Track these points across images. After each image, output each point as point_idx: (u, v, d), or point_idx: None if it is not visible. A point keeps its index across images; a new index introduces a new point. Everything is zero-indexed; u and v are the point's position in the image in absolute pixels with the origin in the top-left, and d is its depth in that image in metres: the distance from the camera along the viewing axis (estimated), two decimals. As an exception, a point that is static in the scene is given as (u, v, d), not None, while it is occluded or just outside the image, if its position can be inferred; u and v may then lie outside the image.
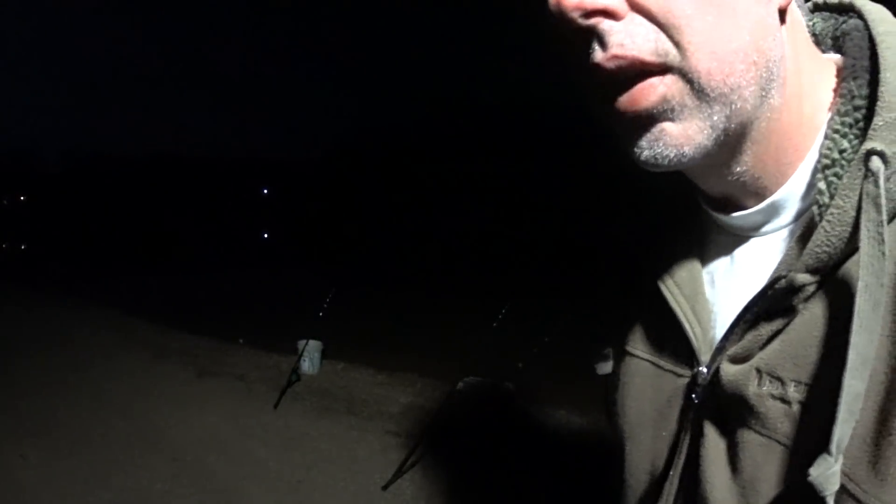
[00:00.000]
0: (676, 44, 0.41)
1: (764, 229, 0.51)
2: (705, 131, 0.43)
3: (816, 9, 0.54)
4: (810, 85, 0.47)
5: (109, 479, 3.54)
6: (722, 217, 0.52)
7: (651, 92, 0.42)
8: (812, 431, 0.44)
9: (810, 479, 0.41)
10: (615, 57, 0.41)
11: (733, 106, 0.42)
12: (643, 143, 0.44)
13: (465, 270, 13.48)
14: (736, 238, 0.53)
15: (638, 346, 0.62)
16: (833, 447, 0.41)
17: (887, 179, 0.41)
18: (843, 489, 0.43)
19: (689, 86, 0.42)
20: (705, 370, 0.53)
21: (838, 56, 0.50)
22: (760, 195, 0.49)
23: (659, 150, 0.44)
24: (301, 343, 5.54)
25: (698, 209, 0.56)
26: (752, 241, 0.52)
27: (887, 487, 0.42)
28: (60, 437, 4.15)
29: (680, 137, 0.43)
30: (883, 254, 0.40)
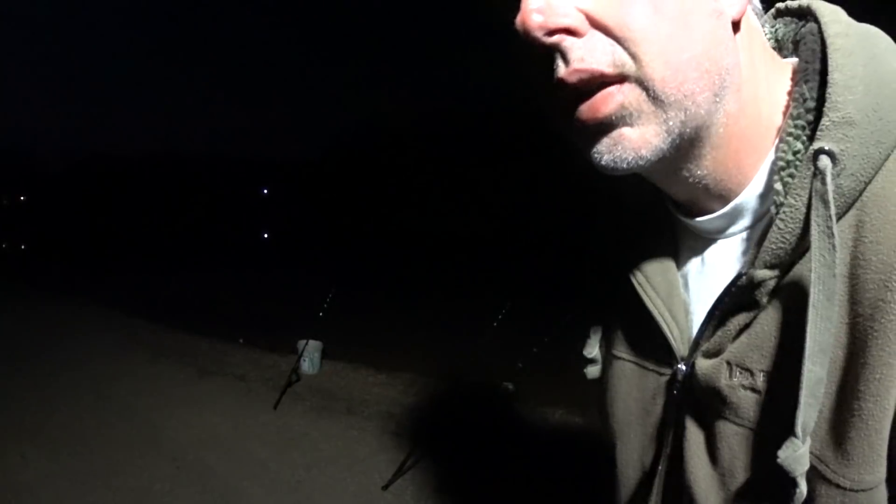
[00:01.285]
0: (633, 55, 0.44)
1: (729, 231, 0.53)
2: (661, 135, 0.46)
3: (779, 14, 0.56)
4: (767, 89, 0.49)
5: (109, 479, 3.54)
6: (689, 221, 0.55)
7: (610, 100, 0.45)
8: (781, 418, 0.47)
9: (779, 461, 0.44)
10: (576, 71, 0.44)
11: (687, 111, 0.45)
12: (602, 147, 0.47)
13: (465, 270, 13.47)
14: (705, 241, 0.56)
15: (621, 349, 0.66)
16: (798, 430, 0.44)
17: (837, 176, 0.43)
18: (814, 470, 0.46)
19: (645, 93, 0.44)
20: (683, 367, 0.56)
21: (795, 59, 0.51)
22: (724, 198, 0.52)
23: (618, 154, 0.46)
24: (301, 343, 5.54)
25: (668, 214, 0.60)
26: (720, 242, 0.55)
27: (853, 466, 0.45)
28: (60, 437, 4.15)
29: (638, 141, 0.46)
30: (833, 246, 0.42)
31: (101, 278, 13.83)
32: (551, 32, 0.44)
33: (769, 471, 0.47)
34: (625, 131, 0.46)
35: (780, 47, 0.55)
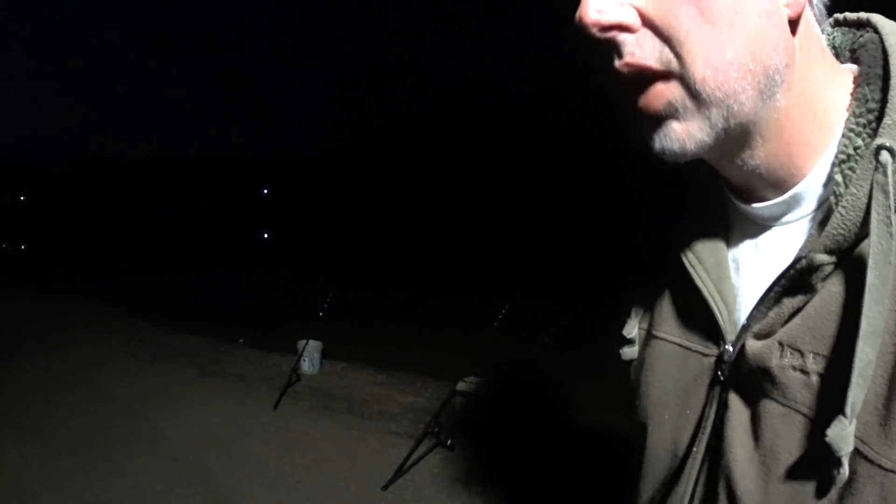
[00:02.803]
0: (677, 55, 0.48)
1: (785, 219, 0.56)
2: (705, 130, 0.50)
3: (837, 24, 0.60)
4: (823, 89, 0.52)
5: (109, 479, 3.54)
6: (746, 207, 0.58)
7: (661, 96, 0.50)
8: (829, 399, 0.49)
9: (827, 439, 0.46)
10: (627, 64, 0.49)
11: (730, 109, 0.49)
12: (655, 136, 0.52)
13: (465, 270, 13.47)
14: (759, 227, 0.59)
15: (665, 329, 0.67)
16: (848, 409, 0.46)
17: (895, 171, 0.46)
18: (856, 451, 0.48)
19: (688, 91, 0.49)
20: (731, 348, 0.58)
21: (855, 66, 0.55)
22: (780, 187, 0.55)
23: (667, 144, 0.51)
24: (301, 343, 5.54)
25: (724, 198, 0.62)
26: (775, 229, 0.57)
27: (895, 447, 0.47)
28: (60, 437, 4.15)
29: (682, 133, 0.50)
30: (891, 234, 0.46)
31: (101, 278, 13.83)
32: (606, 28, 0.49)
33: (812, 452, 0.50)
34: (672, 124, 0.50)
35: (837, 54, 0.58)
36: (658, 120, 0.51)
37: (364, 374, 5.72)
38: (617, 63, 0.50)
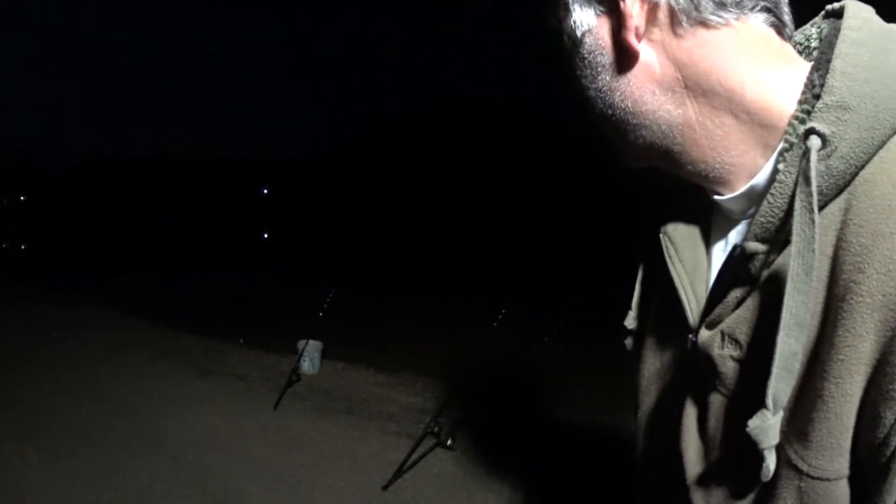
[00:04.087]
0: None
1: (749, 212, 0.57)
2: (628, 152, 0.61)
3: (827, 15, 0.59)
4: (755, 88, 0.52)
5: (109, 479, 3.53)
6: (716, 200, 0.60)
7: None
8: (756, 390, 0.48)
9: (748, 430, 0.46)
10: None
11: (638, 132, 0.58)
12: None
13: (465, 270, 13.47)
14: (730, 221, 0.60)
15: (650, 322, 0.70)
16: (769, 400, 0.45)
17: (827, 157, 0.45)
18: (780, 449, 0.47)
19: (605, 129, 0.62)
20: (693, 338, 0.59)
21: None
22: (730, 184, 0.56)
23: (624, 160, 0.63)
24: (301, 343, 5.53)
25: (705, 196, 0.63)
26: (742, 223, 0.59)
27: (812, 449, 0.46)
28: (60, 437, 4.15)
29: (622, 152, 0.63)
30: (812, 222, 0.44)
31: (101, 278, 13.82)
32: None
33: (745, 443, 0.49)
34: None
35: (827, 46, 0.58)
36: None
37: (364, 374, 5.71)
38: None
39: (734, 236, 0.59)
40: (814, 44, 0.58)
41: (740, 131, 0.53)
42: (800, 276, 0.45)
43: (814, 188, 0.45)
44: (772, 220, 0.49)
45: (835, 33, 0.52)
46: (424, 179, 28.87)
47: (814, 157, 0.45)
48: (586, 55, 0.57)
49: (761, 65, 0.53)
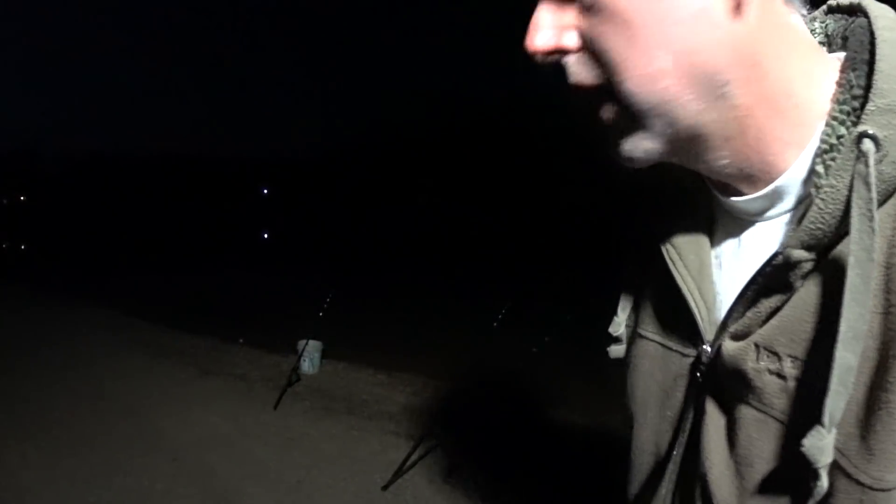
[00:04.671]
0: (609, 74, 0.49)
1: (768, 214, 0.53)
2: (650, 139, 0.51)
3: (830, 11, 0.57)
4: (801, 82, 0.49)
5: (109, 479, 3.54)
6: (728, 201, 0.55)
7: (606, 112, 0.51)
8: (806, 406, 0.46)
9: (803, 450, 0.43)
10: (572, 84, 0.52)
11: (669, 117, 0.49)
12: (611, 147, 0.53)
13: (465, 270, 13.47)
14: (742, 222, 0.56)
15: (648, 328, 0.65)
16: (825, 419, 0.42)
17: (879, 162, 0.44)
18: (834, 464, 0.44)
19: (620, 106, 0.50)
20: (709, 349, 0.56)
21: (843, 53, 0.52)
22: (755, 183, 0.52)
23: (623, 154, 0.53)
24: (301, 343, 5.54)
25: (707, 193, 0.59)
26: (758, 225, 0.55)
27: (875, 462, 0.44)
28: (60, 437, 4.15)
29: (632, 143, 0.52)
30: (872, 230, 0.42)
31: (101, 278, 13.82)
32: (547, 54, 0.51)
33: (789, 461, 0.47)
34: (619, 140, 0.52)
35: (829, 42, 0.56)
36: (613, 133, 0.52)
37: (364, 374, 5.72)
38: (569, 83, 0.52)
39: (751, 239, 0.55)
40: (818, 38, 0.56)
41: (784, 127, 0.50)
42: (858, 286, 0.42)
43: (874, 195, 0.42)
44: (822, 227, 0.45)
45: (862, 32, 0.50)
46: (424, 180, 28.87)
47: (872, 161, 0.43)
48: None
49: (806, 56, 0.50)
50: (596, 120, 0.52)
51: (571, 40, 0.50)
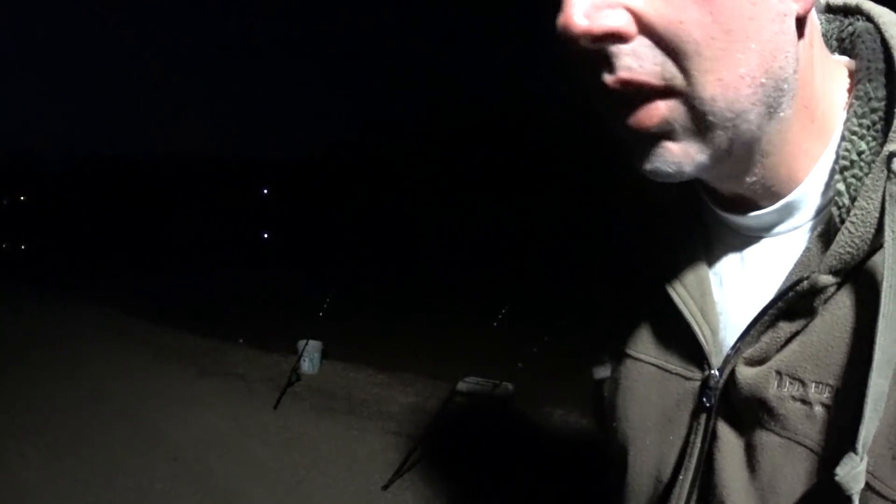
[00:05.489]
0: (683, 69, 0.40)
1: (776, 230, 0.51)
2: (705, 152, 0.43)
3: (828, 10, 0.54)
4: (822, 90, 0.47)
5: (109, 479, 3.54)
6: (732, 217, 0.52)
7: (655, 115, 0.42)
8: (835, 432, 0.45)
9: (837, 479, 0.42)
10: (621, 80, 0.41)
11: (737, 129, 0.42)
12: (646, 156, 0.44)
13: (465, 270, 13.48)
14: (745, 238, 0.53)
15: (641, 349, 0.61)
16: (859, 446, 0.41)
17: None
18: (867, 486, 0.43)
19: (692, 111, 0.41)
20: (717, 373, 0.53)
21: (847, 58, 0.50)
22: (772, 197, 0.49)
23: (660, 165, 0.44)
24: (301, 343, 5.54)
25: (703, 209, 0.56)
26: (764, 241, 0.52)
27: None
28: (60, 437, 4.15)
29: (679, 155, 0.44)
30: None
31: (100, 278, 13.83)
32: (598, 38, 0.40)
33: (819, 487, 0.46)
34: (668, 144, 0.43)
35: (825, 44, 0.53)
36: (651, 139, 0.44)
37: (364, 374, 5.72)
38: (608, 78, 0.41)
39: (757, 256, 0.53)
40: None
41: (810, 141, 0.46)
42: (892, 312, 0.41)
43: None
44: (852, 251, 0.43)
45: (871, 39, 0.48)
46: (424, 180, 28.88)
47: None
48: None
49: (823, 63, 0.47)
50: (626, 123, 0.43)
51: (627, 22, 0.40)
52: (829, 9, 0.53)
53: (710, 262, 0.56)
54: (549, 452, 3.88)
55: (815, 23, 0.47)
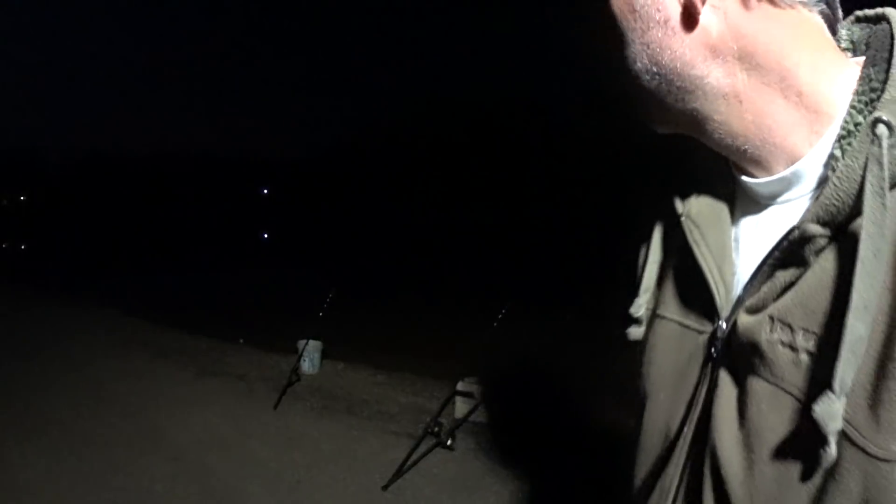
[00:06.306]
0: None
1: (784, 197, 0.57)
2: (656, 118, 0.61)
3: (857, 21, 0.61)
4: (811, 72, 0.54)
5: (109, 479, 3.54)
6: (746, 182, 0.59)
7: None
8: (817, 377, 0.48)
9: (814, 415, 0.45)
10: None
11: (666, 99, 0.58)
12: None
13: (464, 270, 13.47)
14: (760, 205, 0.60)
15: (666, 308, 0.67)
16: (836, 384, 0.45)
17: (893, 146, 0.47)
18: (843, 434, 0.46)
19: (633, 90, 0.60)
20: (724, 324, 0.58)
21: (864, 58, 0.56)
22: (773, 165, 0.56)
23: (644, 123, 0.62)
24: (301, 343, 5.54)
25: (730, 174, 0.63)
26: (773, 208, 0.58)
27: (883, 432, 0.46)
28: (60, 437, 4.15)
29: (646, 116, 0.62)
30: (884, 206, 0.46)
31: (100, 278, 13.83)
32: None
33: (798, 432, 0.49)
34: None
35: (854, 49, 0.60)
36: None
37: (364, 374, 5.72)
38: None
39: (768, 220, 0.58)
40: (844, 45, 0.59)
41: (787, 113, 0.54)
42: (869, 258, 0.45)
43: (886, 174, 0.46)
44: (836, 203, 0.49)
45: (884, 35, 0.54)
46: (424, 180, 28.87)
47: (885, 143, 0.47)
48: (639, 7, 0.55)
49: (816, 52, 0.54)
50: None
51: None
52: (864, 19, 0.61)
53: (733, 224, 0.63)
54: (549, 452, 3.88)
55: (780, 16, 0.54)
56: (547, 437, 4.13)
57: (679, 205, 0.66)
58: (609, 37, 0.57)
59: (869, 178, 0.46)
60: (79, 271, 15.52)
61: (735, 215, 0.62)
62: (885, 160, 0.46)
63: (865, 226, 0.46)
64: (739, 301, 0.57)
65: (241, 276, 14.45)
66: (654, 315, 0.69)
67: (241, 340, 7.05)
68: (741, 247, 0.61)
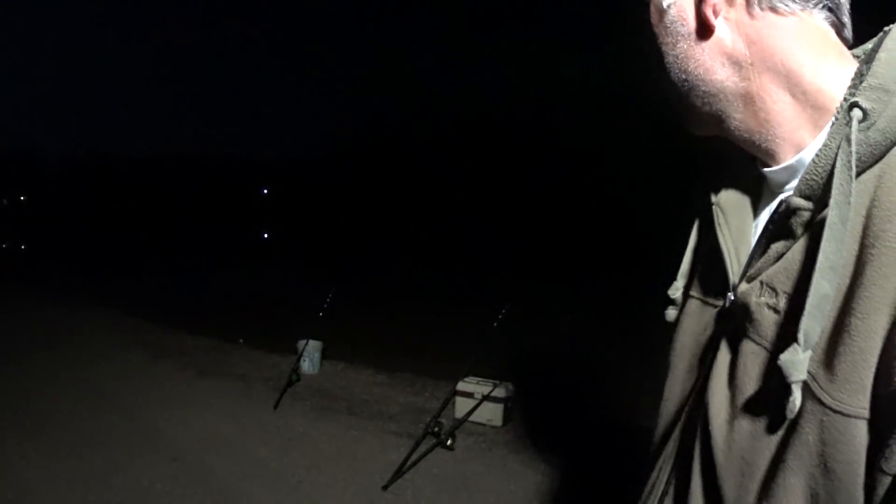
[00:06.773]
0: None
1: (791, 184, 0.63)
2: (690, 119, 0.69)
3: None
4: (813, 72, 0.59)
5: (109, 479, 3.53)
6: (763, 171, 0.66)
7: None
8: (789, 334, 0.53)
9: (779, 363, 0.50)
10: None
11: (691, 106, 0.67)
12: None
13: (464, 271, 13.47)
14: (774, 194, 0.66)
15: (695, 288, 0.75)
16: (801, 336, 0.50)
17: (867, 129, 0.52)
18: (805, 387, 0.51)
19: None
20: (732, 295, 0.64)
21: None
22: (775, 157, 0.63)
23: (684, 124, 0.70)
24: (301, 343, 5.54)
25: (756, 171, 0.69)
26: (783, 195, 0.63)
27: (837, 383, 0.50)
28: (60, 437, 4.15)
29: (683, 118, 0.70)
30: (850, 178, 0.51)
31: (100, 278, 13.82)
32: None
33: (769, 385, 0.54)
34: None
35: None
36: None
37: (364, 374, 5.72)
38: None
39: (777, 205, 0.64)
40: (856, 52, 0.65)
41: (794, 109, 0.60)
42: (836, 224, 0.50)
43: (853, 148, 0.51)
44: (815, 178, 0.55)
45: (883, 37, 0.59)
46: (424, 180, 28.86)
47: (855, 124, 0.52)
48: (669, 24, 0.65)
49: (819, 53, 0.60)
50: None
51: None
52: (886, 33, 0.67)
53: (756, 211, 0.70)
54: (549, 452, 3.88)
55: (815, 28, 0.61)
56: (547, 437, 4.13)
57: (713, 196, 0.73)
58: (652, 51, 0.67)
59: (840, 154, 0.52)
60: (79, 271, 15.51)
61: (758, 206, 0.69)
62: (853, 137, 0.51)
63: (834, 195, 0.51)
64: (744, 273, 0.63)
65: (241, 276, 14.45)
66: (686, 296, 0.76)
67: (241, 340, 7.05)
68: (757, 231, 0.67)
